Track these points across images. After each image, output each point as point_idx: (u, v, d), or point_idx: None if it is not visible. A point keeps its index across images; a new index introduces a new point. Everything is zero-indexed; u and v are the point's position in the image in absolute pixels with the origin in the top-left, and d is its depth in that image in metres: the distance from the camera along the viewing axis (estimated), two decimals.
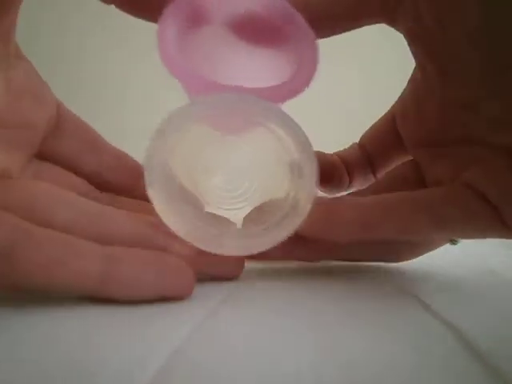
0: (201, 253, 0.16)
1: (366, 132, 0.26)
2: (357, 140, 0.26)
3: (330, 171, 0.24)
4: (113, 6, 0.18)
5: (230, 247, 0.17)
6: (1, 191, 0.15)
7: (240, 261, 0.19)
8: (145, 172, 0.15)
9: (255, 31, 0.18)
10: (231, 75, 0.18)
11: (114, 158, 0.22)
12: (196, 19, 0.18)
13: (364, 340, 0.12)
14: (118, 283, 0.15)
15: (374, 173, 0.25)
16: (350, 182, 0.25)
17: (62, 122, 0.20)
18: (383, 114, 0.25)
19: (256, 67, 0.19)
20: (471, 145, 0.19)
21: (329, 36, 0.19)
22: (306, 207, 0.16)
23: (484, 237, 0.18)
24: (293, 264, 0.22)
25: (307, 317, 0.14)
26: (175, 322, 0.13)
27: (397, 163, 0.24)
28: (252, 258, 0.18)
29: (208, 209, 0.20)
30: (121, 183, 0.22)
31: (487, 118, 0.18)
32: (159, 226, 0.16)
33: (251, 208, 0.20)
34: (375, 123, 0.25)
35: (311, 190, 0.16)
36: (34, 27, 0.55)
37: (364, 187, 0.24)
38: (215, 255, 0.16)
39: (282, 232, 0.16)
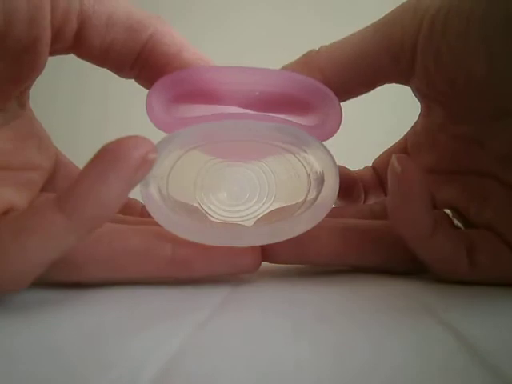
0: (212, 251, 0.17)
1: (379, 157, 0.26)
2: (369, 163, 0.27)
3: (351, 186, 0.25)
4: None
5: (248, 238, 0.17)
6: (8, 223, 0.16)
7: (257, 253, 0.18)
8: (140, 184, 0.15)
9: (274, 107, 0.19)
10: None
11: None
12: (197, 97, 0.18)
13: (364, 340, 0.12)
14: None
15: (385, 194, 0.26)
16: (364, 200, 0.26)
17: (58, 167, 0.21)
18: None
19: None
20: (482, 176, 0.19)
21: (349, 99, 0.20)
22: (323, 212, 0.17)
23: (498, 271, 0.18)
24: (293, 266, 0.22)
25: (308, 317, 0.14)
26: (175, 323, 0.13)
27: None
28: (264, 258, 0.18)
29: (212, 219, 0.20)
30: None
31: (496, 156, 0.19)
32: (165, 235, 0.17)
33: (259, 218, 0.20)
34: (388, 149, 0.26)
35: (332, 200, 0.17)
36: None
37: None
38: (230, 250, 0.17)
39: (299, 226, 0.17)
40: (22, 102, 0.19)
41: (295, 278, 0.20)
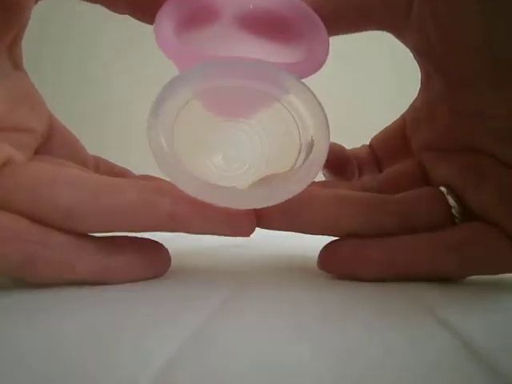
0: (210, 209, 0.17)
1: (377, 135, 0.27)
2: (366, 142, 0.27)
3: (344, 164, 0.25)
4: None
5: (245, 200, 0.17)
6: (5, 178, 0.16)
7: (252, 217, 0.18)
8: (149, 116, 0.15)
9: (265, 25, 0.19)
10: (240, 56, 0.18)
11: (94, 164, 0.24)
12: (197, 16, 0.18)
13: (365, 341, 0.12)
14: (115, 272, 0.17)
15: (380, 172, 0.26)
16: (358, 178, 0.26)
17: (51, 131, 0.21)
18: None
19: (267, 56, 0.18)
20: (479, 154, 0.19)
21: (335, 35, 0.20)
22: (310, 176, 0.17)
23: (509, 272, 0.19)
24: (294, 264, 0.22)
25: (309, 318, 0.14)
26: (176, 323, 0.13)
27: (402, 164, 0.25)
28: (258, 223, 0.18)
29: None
30: None
31: (494, 129, 0.18)
32: (165, 190, 0.17)
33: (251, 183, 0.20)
34: (386, 127, 0.26)
35: (320, 164, 0.17)
36: (38, 36, 0.56)
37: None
38: (227, 210, 0.17)
39: (293, 186, 0.16)
40: (15, 61, 0.19)
41: (296, 279, 0.20)
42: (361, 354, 0.11)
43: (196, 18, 0.18)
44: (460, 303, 0.16)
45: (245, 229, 0.18)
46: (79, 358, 0.11)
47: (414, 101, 0.24)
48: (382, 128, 0.27)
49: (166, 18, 0.17)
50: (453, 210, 0.20)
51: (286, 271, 0.21)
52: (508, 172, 0.18)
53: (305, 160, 0.17)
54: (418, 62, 0.21)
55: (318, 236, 0.20)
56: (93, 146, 0.25)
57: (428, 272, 0.18)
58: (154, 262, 0.19)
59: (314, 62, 0.18)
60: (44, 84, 0.21)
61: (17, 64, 0.19)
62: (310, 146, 0.17)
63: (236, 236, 0.18)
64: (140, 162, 0.24)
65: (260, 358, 0.11)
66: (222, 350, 0.11)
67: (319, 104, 0.17)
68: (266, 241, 0.22)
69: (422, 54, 0.20)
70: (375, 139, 0.27)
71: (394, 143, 0.25)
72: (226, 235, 0.18)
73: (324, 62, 0.18)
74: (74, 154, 0.22)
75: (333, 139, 0.18)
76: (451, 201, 0.20)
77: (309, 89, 0.17)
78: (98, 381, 0.09)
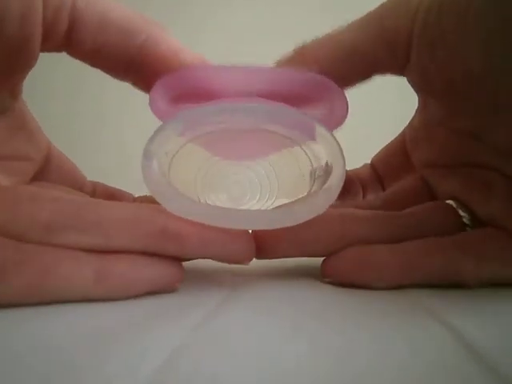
0: (206, 231, 0.16)
1: (377, 154, 0.26)
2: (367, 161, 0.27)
3: (348, 186, 0.25)
4: None
5: (243, 221, 0.16)
6: None
7: (250, 243, 0.17)
8: (143, 155, 0.15)
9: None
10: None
11: (91, 189, 0.24)
12: (195, 95, 0.18)
13: (364, 341, 0.12)
14: (110, 281, 0.15)
15: (383, 190, 0.26)
16: (363, 198, 0.26)
17: (50, 159, 0.22)
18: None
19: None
20: (483, 168, 0.19)
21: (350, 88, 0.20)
22: (325, 205, 0.16)
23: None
24: (294, 264, 0.22)
25: (307, 318, 0.14)
26: (175, 323, 0.13)
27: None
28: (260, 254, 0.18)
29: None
30: None
31: (495, 149, 0.18)
32: (160, 209, 0.16)
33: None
34: (386, 145, 0.26)
35: (338, 187, 0.16)
36: None
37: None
38: (221, 235, 0.16)
39: (298, 214, 0.16)
40: (15, 94, 0.19)
41: (295, 279, 0.20)
42: (359, 354, 0.11)
43: (191, 97, 0.18)
44: (460, 304, 0.16)
45: (241, 254, 0.17)
46: (78, 357, 0.11)
47: (412, 119, 0.24)
48: (380, 146, 0.27)
49: (159, 95, 0.17)
50: (464, 220, 0.19)
51: (285, 271, 0.21)
52: None
53: (323, 183, 0.17)
54: (414, 90, 0.21)
55: None
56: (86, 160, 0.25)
57: (443, 275, 0.17)
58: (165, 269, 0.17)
59: (337, 118, 0.18)
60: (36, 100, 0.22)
61: (15, 95, 0.19)
62: (327, 171, 0.16)
63: (233, 263, 0.17)
64: (136, 176, 0.24)
65: (258, 357, 0.11)
66: (221, 349, 0.11)
67: (338, 145, 0.16)
68: None
69: (422, 89, 0.20)
70: (376, 158, 0.26)
71: (396, 160, 0.25)
72: (221, 260, 0.17)
73: (346, 116, 0.18)
74: (71, 179, 0.23)
75: None
76: (461, 212, 0.20)
77: (335, 139, 0.16)
78: (98, 378, 0.10)
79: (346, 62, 0.19)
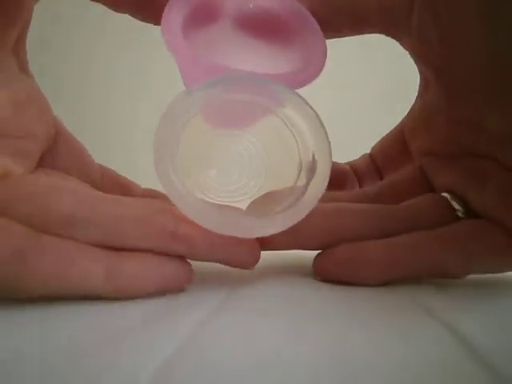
0: (214, 235, 0.16)
1: (377, 143, 0.26)
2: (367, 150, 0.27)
3: (342, 179, 0.25)
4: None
5: (248, 228, 0.16)
6: (4, 189, 0.16)
7: (255, 248, 0.17)
8: (154, 150, 0.15)
9: (264, 27, 0.19)
10: (238, 69, 0.17)
11: (99, 174, 0.23)
12: (201, 13, 0.18)
13: (364, 340, 0.12)
14: (121, 281, 0.15)
15: (381, 180, 0.25)
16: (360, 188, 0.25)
17: (58, 138, 0.21)
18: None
19: (265, 62, 0.19)
20: (481, 158, 0.19)
21: (332, 38, 0.19)
22: (313, 202, 0.17)
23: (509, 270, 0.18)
24: (293, 263, 0.22)
25: (307, 316, 0.14)
26: (175, 322, 0.13)
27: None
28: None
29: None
30: None
31: (494, 136, 0.18)
32: (169, 210, 0.16)
33: (250, 200, 0.19)
34: (385, 135, 0.26)
35: (322, 189, 0.17)
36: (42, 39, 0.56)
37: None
38: (228, 240, 0.16)
39: (289, 219, 0.16)
40: (21, 63, 0.18)
41: (294, 278, 0.20)
42: (358, 353, 0.11)
43: (199, 14, 0.18)
44: (460, 303, 0.16)
45: (248, 259, 0.17)
46: (79, 355, 0.11)
47: (412, 109, 0.24)
48: (376, 135, 0.26)
49: (175, 12, 0.17)
50: (458, 213, 0.19)
51: (284, 271, 0.21)
52: (510, 174, 0.18)
53: (308, 180, 0.17)
54: (418, 68, 0.21)
55: None
56: (95, 148, 0.25)
57: (430, 269, 0.18)
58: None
59: (312, 71, 0.18)
60: (46, 86, 0.21)
61: (23, 66, 0.19)
62: (313, 166, 0.17)
63: (238, 266, 0.18)
64: (143, 164, 0.24)
65: (259, 356, 0.11)
66: (221, 349, 0.11)
67: (317, 117, 0.17)
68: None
69: (422, 57, 0.20)
70: (375, 148, 0.26)
71: (394, 150, 0.25)
72: (227, 264, 0.18)
73: (321, 70, 0.18)
74: (80, 161, 0.22)
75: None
76: (456, 205, 0.20)
77: (305, 101, 0.17)
78: (101, 378, 0.10)
79: (337, 6, 0.18)
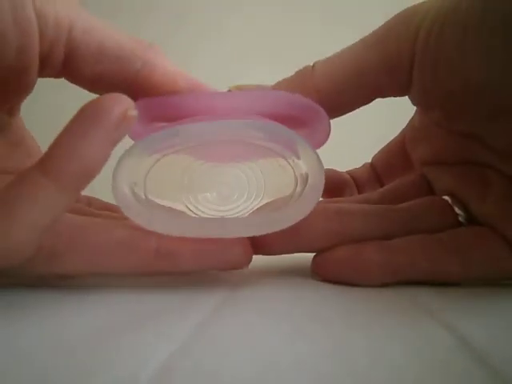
0: (198, 244, 0.17)
1: (378, 153, 0.27)
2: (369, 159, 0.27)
3: (341, 188, 0.25)
4: None
5: (234, 229, 0.16)
6: None
7: (247, 248, 0.18)
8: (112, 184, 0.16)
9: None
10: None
11: (86, 204, 0.24)
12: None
13: (364, 341, 0.12)
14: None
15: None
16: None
17: None
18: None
19: None
20: (482, 166, 0.19)
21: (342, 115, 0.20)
22: (308, 209, 0.17)
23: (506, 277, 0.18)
24: (293, 264, 0.22)
25: (306, 317, 0.14)
26: (175, 323, 0.13)
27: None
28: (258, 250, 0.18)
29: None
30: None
31: (495, 150, 0.18)
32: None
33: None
34: (386, 145, 0.26)
35: (315, 202, 0.17)
36: None
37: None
38: (219, 243, 0.17)
39: (286, 220, 0.16)
40: (13, 113, 0.19)
41: (294, 278, 0.20)
42: (358, 353, 0.11)
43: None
44: (459, 304, 0.16)
45: (238, 260, 0.17)
46: (79, 356, 0.11)
47: (412, 119, 0.24)
48: (377, 144, 0.27)
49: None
50: (460, 218, 0.19)
51: (284, 271, 0.21)
52: (510, 183, 0.18)
53: (302, 189, 0.17)
54: (413, 104, 0.21)
55: None
56: None
57: (428, 274, 0.18)
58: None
59: (315, 141, 0.18)
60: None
61: (12, 112, 0.19)
62: (306, 177, 0.17)
63: (230, 269, 0.18)
64: None
65: (258, 357, 0.11)
66: (221, 350, 0.11)
67: (318, 159, 0.17)
68: None
69: (422, 104, 0.20)
70: (376, 157, 0.27)
71: (395, 160, 0.25)
72: (218, 269, 0.18)
73: (324, 142, 0.19)
74: None
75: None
76: (457, 209, 0.20)
77: (317, 156, 0.17)
78: (98, 378, 0.10)
79: (346, 89, 0.19)
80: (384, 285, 0.18)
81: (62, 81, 0.18)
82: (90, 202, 0.24)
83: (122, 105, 0.14)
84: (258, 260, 0.19)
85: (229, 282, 0.18)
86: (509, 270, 0.18)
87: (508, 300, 0.17)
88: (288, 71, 0.20)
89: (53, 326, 0.13)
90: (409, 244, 0.18)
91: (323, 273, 0.19)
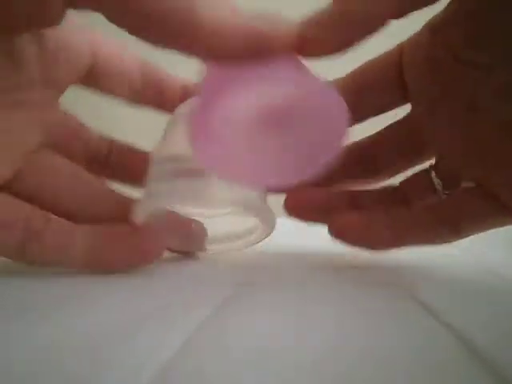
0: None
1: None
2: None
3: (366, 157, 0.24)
4: None
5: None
6: None
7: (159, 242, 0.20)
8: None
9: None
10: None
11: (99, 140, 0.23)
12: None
13: (364, 341, 0.12)
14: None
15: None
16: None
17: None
18: None
19: None
20: (475, 111, 0.18)
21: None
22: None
23: (489, 229, 0.20)
24: (293, 263, 0.22)
25: (307, 316, 0.14)
26: (176, 322, 0.13)
27: None
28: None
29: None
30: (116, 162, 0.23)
31: (499, 84, 0.17)
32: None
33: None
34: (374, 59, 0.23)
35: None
36: None
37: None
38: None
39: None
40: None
41: (296, 277, 0.20)
42: (359, 353, 0.11)
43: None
44: (460, 303, 0.16)
45: (149, 250, 0.19)
46: (79, 356, 0.11)
47: (419, 36, 0.20)
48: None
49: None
50: (438, 187, 0.21)
51: (286, 270, 0.21)
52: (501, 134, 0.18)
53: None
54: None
55: (319, 234, 0.21)
56: None
57: (425, 242, 0.21)
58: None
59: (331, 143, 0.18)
60: None
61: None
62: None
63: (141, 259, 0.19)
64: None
65: (259, 357, 0.11)
66: (222, 349, 0.12)
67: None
68: (270, 236, 0.23)
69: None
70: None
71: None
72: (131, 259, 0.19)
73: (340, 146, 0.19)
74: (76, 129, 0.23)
75: None
76: (435, 179, 0.21)
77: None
78: (99, 379, 0.10)
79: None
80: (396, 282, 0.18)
81: None
82: (111, 146, 0.23)
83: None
84: (259, 259, 0.20)
85: (230, 282, 0.19)
86: (492, 223, 0.19)
87: (508, 299, 0.17)
88: None
89: (45, 326, 0.13)
90: (411, 220, 0.21)
91: (341, 239, 0.21)
